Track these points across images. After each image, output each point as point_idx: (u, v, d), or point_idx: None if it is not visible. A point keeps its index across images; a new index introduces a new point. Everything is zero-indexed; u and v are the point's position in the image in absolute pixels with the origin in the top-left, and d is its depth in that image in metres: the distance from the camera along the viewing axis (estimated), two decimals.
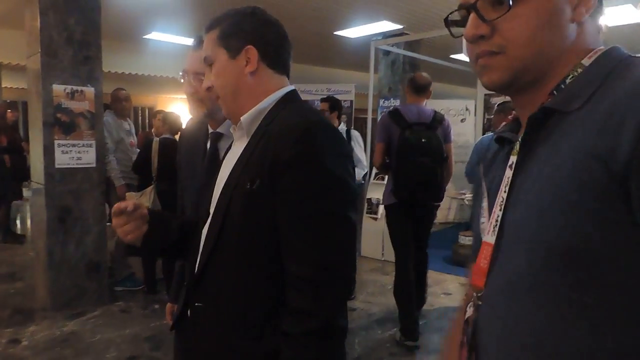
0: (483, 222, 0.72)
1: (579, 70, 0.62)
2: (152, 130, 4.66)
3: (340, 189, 1.00)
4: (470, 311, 0.70)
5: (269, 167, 0.99)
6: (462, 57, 6.60)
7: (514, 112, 0.75)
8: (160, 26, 5.90)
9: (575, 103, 0.58)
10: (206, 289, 1.10)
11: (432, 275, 4.31)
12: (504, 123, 0.77)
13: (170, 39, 6.26)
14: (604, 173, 0.50)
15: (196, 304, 1.12)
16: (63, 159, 3.48)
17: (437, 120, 3.19)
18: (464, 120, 7.18)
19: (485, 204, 0.72)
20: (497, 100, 5.58)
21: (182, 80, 1.39)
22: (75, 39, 3.43)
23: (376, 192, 5.15)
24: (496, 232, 0.65)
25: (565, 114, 0.59)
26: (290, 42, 1.14)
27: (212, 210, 1.16)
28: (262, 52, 1.07)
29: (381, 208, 5.07)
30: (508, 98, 0.78)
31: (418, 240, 3.36)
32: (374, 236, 5.33)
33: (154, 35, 6.26)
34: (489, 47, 0.64)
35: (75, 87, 3.47)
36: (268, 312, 1.01)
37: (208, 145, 1.44)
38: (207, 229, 1.12)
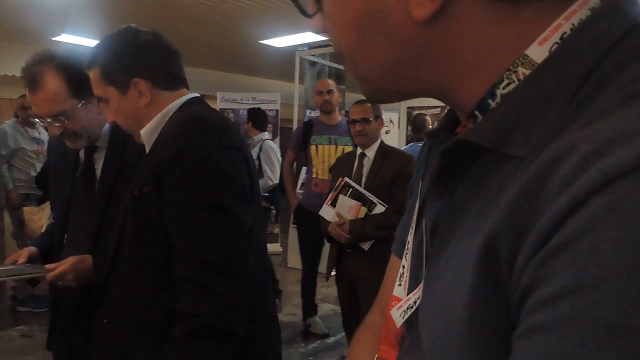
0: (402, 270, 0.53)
1: (522, 71, 0.35)
2: None
3: (222, 181, 0.96)
4: None
5: (154, 169, 0.97)
6: None
7: None
8: (71, 28, 5.53)
9: (516, 145, 0.34)
10: (107, 302, 1.07)
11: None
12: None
13: (83, 41, 5.88)
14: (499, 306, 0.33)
15: (97, 316, 1.09)
16: None
17: None
18: (388, 132, 7.38)
19: (409, 237, 0.52)
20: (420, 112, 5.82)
21: (40, 123, 1.31)
22: None
23: None
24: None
25: (504, 155, 0.36)
26: (173, 50, 1.11)
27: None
28: (150, 80, 1.05)
29: None
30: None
31: None
32: None
33: (64, 38, 5.86)
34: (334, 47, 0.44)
35: None
36: (165, 322, 0.95)
37: (81, 156, 1.36)
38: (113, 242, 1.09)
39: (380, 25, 0.38)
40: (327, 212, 2.44)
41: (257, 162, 4.09)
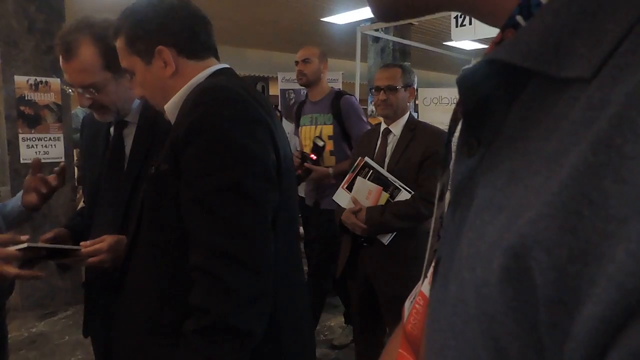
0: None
1: None
2: None
3: (242, 159, 0.85)
4: None
5: (171, 145, 0.89)
6: (455, 44, 6.44)
7: None
8: None
9: (574, 60, 0.22)
10: (126, 290, 1.02)
11: None
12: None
13: None
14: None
15: (115, 306, 1.05)
16: (29, 153, 3.34)
17: None
18: None
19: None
20: None
21: (71, 93, 1.26)
22: (37, 27, 3.27)
23: None
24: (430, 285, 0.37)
25: (559, 81, 0.23)
26: (202, 15, 1.00)
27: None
28: (176, 47, 0.96)
29: None
30: None
31: None
32: None
33: None
34: None
35: (39, 78, 3.32)
36: (183, 315, 0.87)
37: (111, 133, 1.31)
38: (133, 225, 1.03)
39: None
40: (341, 197, 2.04)
41: None
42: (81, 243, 1.15)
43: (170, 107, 0.99)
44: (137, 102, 1.28)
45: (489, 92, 0.27)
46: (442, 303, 0.29)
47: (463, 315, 0.25)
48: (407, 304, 0.43)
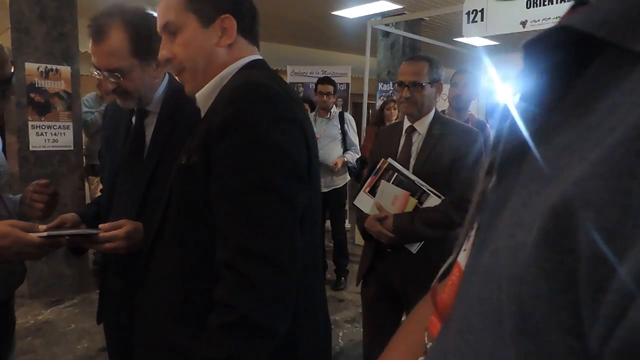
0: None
1: None
2: None
3: (276, 158, 0.85)
4: None
5: (203, 138, 0.88)
6: (466, 40, 6.38)
7: None
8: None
9: None
10: (150, 279, 1.01)
11: None
12: None
13: None
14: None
15: (138, 294, 1.05)
16: (38, 141, 3.34)
17: None
18: None
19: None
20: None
21: (96, 76, 1.25)
22: (48, 14, 3.26)
23: None
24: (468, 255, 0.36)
25: (632, 55, 0.22)
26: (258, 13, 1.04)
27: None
28: (239, 23, 0.97)
29: None
30: None
31: None
32: None
33: None
34: None
35: (49, 66, 3.31)
36: (205, 308, 0.86)
37: (133, 121, 1.31)
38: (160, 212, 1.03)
39: None
40: (363, 202, 1.88)
41: (340, 134, 3.97)
42: (100, 225, 1.16)
43: (202, 96, 0.98)
44: (159, 92, 1.28)
45: (555, 62, 0.26)
46: (473, 271, 0.29)
47: (491, 282, 0.25)
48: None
